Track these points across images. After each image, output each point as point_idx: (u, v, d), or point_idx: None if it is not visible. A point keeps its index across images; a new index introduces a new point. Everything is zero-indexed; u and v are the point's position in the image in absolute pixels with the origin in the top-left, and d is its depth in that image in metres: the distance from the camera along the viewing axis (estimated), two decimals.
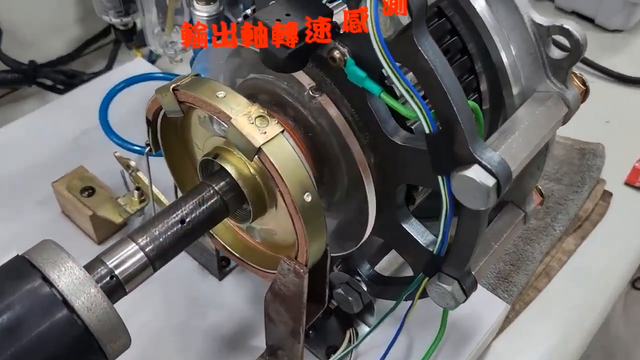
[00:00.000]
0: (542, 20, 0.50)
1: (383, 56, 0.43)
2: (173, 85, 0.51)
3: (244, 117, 0.47)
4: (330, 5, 0.51)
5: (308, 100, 0.51)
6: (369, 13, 0.42)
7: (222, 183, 0.53)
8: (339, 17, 0.50)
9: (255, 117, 0.48)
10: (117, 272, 0.48)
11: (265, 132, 0.47)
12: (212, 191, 0.52)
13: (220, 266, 0.73)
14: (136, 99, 0.86)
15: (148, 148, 0.60)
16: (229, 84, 0.60)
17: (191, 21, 0.69)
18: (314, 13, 0.47)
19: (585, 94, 0.54)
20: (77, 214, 0.75)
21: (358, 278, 0.65)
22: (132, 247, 0.49)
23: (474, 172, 0.45)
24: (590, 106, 1.09)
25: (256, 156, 0.47)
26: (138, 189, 0.73)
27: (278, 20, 0.46)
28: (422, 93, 0.45)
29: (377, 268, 0.67)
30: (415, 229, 0.56)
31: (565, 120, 0.53)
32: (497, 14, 0.52)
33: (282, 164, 0.47)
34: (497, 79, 0.54)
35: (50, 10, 1.02)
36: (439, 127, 0.45)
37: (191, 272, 0.75)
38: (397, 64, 0.45)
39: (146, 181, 0.69)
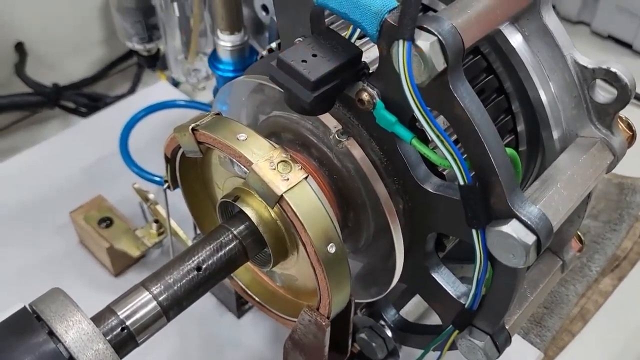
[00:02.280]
0: (587, 61, 0.47)
1: (415, 103, 0.40)
2: (192, 125, 0.48)
3: (266, 162, 0.45)
4: (360, 42, 0.48)
5: (334, 144, 0.48)
6: (401, 57, 0.39)
7: (242, 227, 0.50)
8: (369, 54, 0.47)
9: (278, 163, 0.45)
10: (128, 322, 0.45)
11: (288, 179, 0.44)
12: (230, 236, 0.50)
13: (239, 303, 0.71)
14: (158, 125, 0.84)
15: (166, 185, 0.58)
16: (252, 121, 0.57)
17: (215, 51, 0.67)
18: (343, 53, 0.44)
19: (632, 139, 0.50)
20: (94, 245, 0.73)
21: (382, 323, 0.62)
22: (144, 295, 0.46)
23: (512, 228, 0.42)
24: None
25: (278, 204, 0.45)
26: (156, 221, 0.70)
27: (304, 61, 0.43)
28: (454, 137, 0.42)
29: (402, 311, 0.64)
30: (445, 279, 0.53)
31: (610, 168, 0.49)
32: (537, 53, 0.48)
33: (305, 213, 0.44)
34: (536, 120, 0.51)
35: (75, 32, 1.01)
36: (474, 179, 0.42)
37: (208, 308, 0.72)
38: (429, 109, 0.42)
39: (164, 214, 0.67)
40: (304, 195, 0.45)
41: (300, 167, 0.45)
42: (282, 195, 0.44)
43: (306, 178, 0.45)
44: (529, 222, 0.42)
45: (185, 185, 0.57)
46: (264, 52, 0.58)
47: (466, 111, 0.41)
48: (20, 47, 0.97)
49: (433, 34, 0.39)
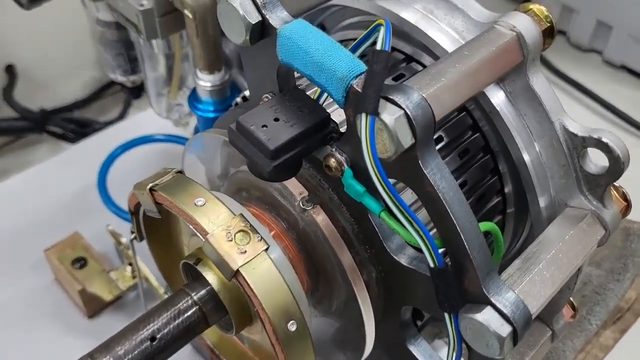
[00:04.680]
0: (577, 128, 0.43)
1: (378, 180, 0.36)
2: (150, 184, 0.45)
3: (223, 232, 0.41)
4: (328, 102, 0.45)
5: (299, 211, 0.44)
6: (363, 130, 0.35)
7: (203, 292, 0.47)
8: (339, 114, 0.44)
9: (236, 233, 0.42)
10: None
11: (246, 252, 0.41)
12: (190, 302, 0.46)
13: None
14: (143, 156, 0.81)
15: (133, 236, 0.55)
16: (223, 172, 0.54)
17: (195, 90, 0.64)
18: (308, 117, 0.40)
19: (626, 209, 0.46)
20: (68, 285, 0.70)
21: None
22: None
23: (486, 317, 0.38)
24: (634, 173, 1.00)
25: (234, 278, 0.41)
26: (131, 264, 0.67)
27: (264, 126, 0.40)
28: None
29: None
30: (422, 352, 0.49)
31: (600, 243, 0.45)
32: (523, 116, 0.44)
33: (262, 290, 0.41)
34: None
35: (67, 54, 0.99)
36: (446, 262, 0.39)
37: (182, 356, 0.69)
38: (399, 185, 0.38)
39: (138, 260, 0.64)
40: (263, 270, 0.41)
41: (259, 238, 0.42)
42: (237, 270, 0.41)
43: (267, 250, 0.42)
44: (504, 311, 0.38)
45: (151, 239, 0.54)
46: (239, 99, 0.55)
47: (437, 189, 0.37)
48: (10, 70, 0.95)
49: (399, 106, 0.36)
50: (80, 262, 0.70)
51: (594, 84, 1.11)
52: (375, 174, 0.36)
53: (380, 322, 0.49)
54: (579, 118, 1.12)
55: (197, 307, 0.47)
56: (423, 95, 0.36)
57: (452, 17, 0.45)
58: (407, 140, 0.36)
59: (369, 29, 0.39)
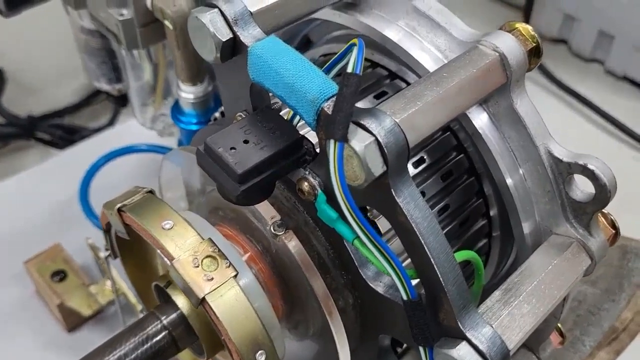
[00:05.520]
0: (563, 154, 0.41)
1: (348, 209, 0.35)
2: (119, 205, 0.44)
3: (189, 257, 0.40)
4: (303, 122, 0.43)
5: (271, 236, 0.43)
6: (331, 158, 0.34)
7: (173, 316, 0.45)
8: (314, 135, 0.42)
9: (203, 258, 0.40)
10: None
11: (212, 279, 0.39)
12: (159, 326, 0.45)
13: None
14: (129, 164, 0.80)
15: (108, 253, 0.53)
16: (201, 188, 0.52)
17: (177, 102, 0.62)
18: (279, 139, 0.39)
19: (615, 237, 0.44)
20: (48, 298, 0.69)
21: None
22: None
23: (461, 353, 0.36)
24: (634, 188, 0.97)
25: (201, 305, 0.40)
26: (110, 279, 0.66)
27: (233, 148, 0.38)
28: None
29: None
30: None
31: (587, 273, 0.43)
32: (507, 139, 0.43)
33: (229, 319, 0.39)
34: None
35: (58, 60, 0.97)
36: (420, 294, 0.37)
37: None
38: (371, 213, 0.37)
39: (116, 274, 0.62)
40: (230, 297, 0.40)
41: (227, 264, 0.40)
42: (204, 298, 0.39)
43: (235, 276, 0.40)
44: (480, 347, 0.36)
45: (125, 257, 0.52)
46: (217, 114, 0.53)
47: (410, 219, 0.35)
48: None
49: (371, 133, 0.34)
50: (60, 275, 0.69)
51: (596, 95, 1.09)
52: (344, 203, 0.34)
53: (357, 348, 0.47)
54: (579, 130, 1.10)
55: (167, 331, 0.45)
56: (396, 120, 0.34)
57: (434, 35, 0.43)
58: (378, 168, 0.34)
59: (343, 49, 0.37)
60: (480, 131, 0.42)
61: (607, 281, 0.81)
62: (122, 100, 0.76)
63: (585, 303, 0.78)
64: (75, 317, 0.67)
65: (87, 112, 1.02)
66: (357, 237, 0.38)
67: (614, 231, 0.44)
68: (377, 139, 0.34)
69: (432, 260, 0.36)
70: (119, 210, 0.44)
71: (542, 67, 1.12)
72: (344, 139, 0.33)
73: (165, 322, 0.45)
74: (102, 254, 0.65)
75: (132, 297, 0.63)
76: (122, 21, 0.57)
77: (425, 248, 0.35)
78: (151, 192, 0.45)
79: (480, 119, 0.42)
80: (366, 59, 0.50)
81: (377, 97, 0.48)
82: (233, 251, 0.44)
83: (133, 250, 0.52)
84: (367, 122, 0.34)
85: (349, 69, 0.35)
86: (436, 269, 0.36)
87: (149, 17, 0.57)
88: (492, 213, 0.49)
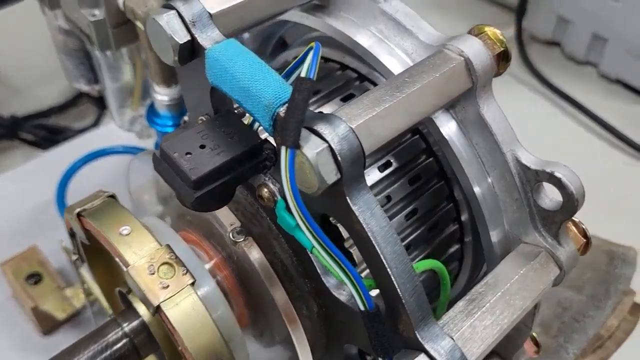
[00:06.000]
0: (530, 161, 0.40)
1: (300, 216, 0.34)
2: (79, 209, 0.43)
3: (145, 264, 0.39)
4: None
5: (230, 243, 0.42)
6: (283, 164, 0.33)
7: (135, 323, 0.44)
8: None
9: (159, 265, 0.39)
10: None
11: (168, 286, 0.38)
12: (120, 333, 0.44)
13: None
14: (108, 167, 0.79)
15: (76, 257, 0.52)
16: (168, 194, 0.52)
17: (152, 104, 0.61)
18: (237, 145, 0.38)
19: (586, 246, 0.43)
20: (23, 301, 0.68)
21: None
22: None
23: None
24: (628, 194, 0.96)
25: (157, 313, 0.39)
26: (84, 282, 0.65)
27: (189, 153, 0.37)
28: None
29: None
30: None
31: (555, 283, 0.42)
32: (475, 145, 0.42)
33: (185, 327, 0.38)
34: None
35: (44, 60, 0.96)
36: (377, 305, 0.36)
37: None
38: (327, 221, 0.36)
39: (89, 278, 0.61)
40: (187, 306, 0.39)
41: (185, 271, 0.39)
42: (159, 306, 0.38)
43: (193, 284, 0.39)
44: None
45: (91, 262, 0.51)
46: (187, 117, 0.52)
47: (365, 228, 0.34)
48: None
49: (324, 139, 0.33)
50: (35, 278, 0.68)
51: (589, 98, 1.07)
52: (296, 211, 0.33)
53: (323, 357, 0.46)
54: (571, 134, 1.08)
55: (128, 339, 0.44)
56: (351, 127, 0.34)
57: (401, 38, 0.42)
58: (331, 175, 0.33)
59: (302, 53, 0.36)
60: (447, 137, 0.41)
61: (593, 287, 0.79)
62: (101, 102, 0.75)
63: (571, 310, 0.77)
64: (49, 320, 0.67)
65: (74, 112, 1.01)
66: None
67: (585, 240, 0.43)
68: (330, 146, 0.33)
69: (388, 270, 0.35)
70: (79, 214, 0.43)
71: (535, 70, 1.11)
72: (295, 146, 0.32)
73: (126, 329, 0.44)
74: (76, 257, 0.64)
75: (105, 301, 0.62)
76: (94, 22, 0.56)
77: (382, 257, 0.34)
78: (112, 196, 0.44)
79: (447, 126, 0.41)
80: (336, 62, 0.50)
81: (344, 99, 0.47)
82: (194, 258, 0.43)
83: (98, 255, 0.51)
84: (321, 129, 0.33)
85: (303, 74, 0.34)
86: (393, 279, 0.35)
87: (121, 17, 0.56)
88: (463, 218, 0.48)
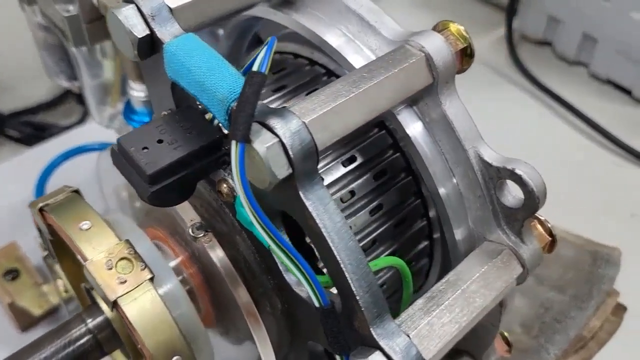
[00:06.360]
0: (493, 158, 0.40)
1: (251, 212, 0.33)
2: (41, 204, 0.43)
3: (103, 259, 0.39)
4: None
5: (191, 239, 0.41)
6: (233, 159, 0.33)
7: (99, 319, 0.44)
8: None
9: (118, 261, 0.39)
10: None
11: (126, 281, 0.38)
12: (84, 329, 0.44)
13: None
14: (89, 164, 0.79)
15: (46, 253, 0.52)
16: None
17: (129, 101, 0.61)
18: (196, 139, 0.38)
19: (552, 245, 0.43)
20: (0, 297, 0.68)
21: None
22: None
23: None
24: (613, 194, 0.95)
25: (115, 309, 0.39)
26: (59, 279, 0.65)
27: (145, 148, 0.37)
28: None
29: None
30: None
31: (519, 281, 0.42)
32: (439, 142, 0.41)
33: (143, 323, 0.38)
34: None
35: (33, 55, 0.96)
36: (332, 302, 0.36)
37: None
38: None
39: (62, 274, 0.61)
40: (145, 301, 0.39)
41: (143, 266, 0.39)
42: (116, 301, 0.38)
43: (152, 279, 0.39)
44: (393, 357, 0.35)
45: (60, 258, 0.51)
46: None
47: (318, 223, 0.34)
48: None
49: (275, 134, 0.33)
50: (13, 274, 0.68)
51: (579, 98, 1.07)
52: (248, 207, 0.33)
53: (289, 354, 0.46)
54: (560, 134, 1.08)
55: (91, 335, 0.44)
56: (304, 121, 0.33)
57: (364, 34, 0.42)
58: (282, 170, 0.33)
59: (260, 49, 0.36)
60: (410, 134, 0.41)
61: (576, 287, 0.79)
62: (82, 97, 0.75)
63: (552, 310, 0.77)
64: (26, 316, 0.67)
65: (61, 109, 1.01)
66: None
67: (550, 239, 0.43)
68: (281, 141, 0.32)
69: (342, 266, 0.34)
70: (41, 209, 0.43)
71: (525, 70, 1.10)
72: (245, 140, 0.32)
73: (90, 325, 0.44)
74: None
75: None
76: (68, 17, 0.56)
77: (335, 253, 0.34)
78: (76, 191, 0.44)
79: (410, 122, 0.41)
80: (305, 58, 0.49)
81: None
82: (156, 254, 0.43)
83: (68, 250, 0.51)
84: (273, 123, 0.33)
85: (255, 68, 0.34)
86: (347, 275, 0.34)
87: (94, 13, 0.56)
88: (431, 214, 0.48)
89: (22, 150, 0.94)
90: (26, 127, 0.91)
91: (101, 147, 0.74)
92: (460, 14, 1.22)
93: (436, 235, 0.49)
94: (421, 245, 0.49)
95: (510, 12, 1.14)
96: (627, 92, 1.09)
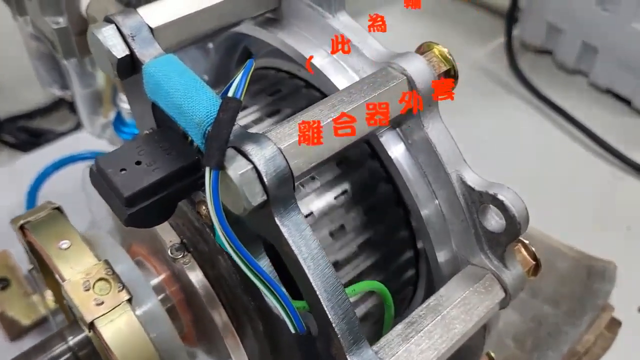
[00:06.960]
0: (475, 182, 0.39)
1: (225, 239, 0.33)
2: (22, 221, 0.43)
3: (81, 280, 0.39)
4: None
5: (170, 260, 0.41)
6: (207, 186, 0.32)
7: (80, 337, 0.44)
8: None
9: (95, 281, 0.39)
10: None
11: (103, 303, 0.38)
12: (65, 347, 0.44)
13: None
14: (80, 173, 0.79)
15: (31, 268, 0.52)
16: None
17: (119, 113, 0.61)
18: (175, 161, 0.37)
19: (536, 269, 0.42)
20: None
21: None
22: None
23: None
24: (610, 206, 0.94)
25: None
26: (50, 289, 0.65)
27: (123, 170, 0.37)
28: None
29: None
30: None
31: (502, 306, 0.41)
32: (421, 165, 0.41)
33: (119, 345, 0.38)
34: None
35: (28, 61, 0.96)
36: (307, 328, 0.35)
37: None
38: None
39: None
40: (121, 323, 0.38)
41: (120, 287, 0.39)
42: (92, 322, 0.38)
43: (129, 300, 0.39)
44: None
45: (44, 272, 0.51)
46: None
47: (294, 250, 0.34)
48: None
49: (249, 160, 0.32)
50: (3, 283, 0.68)
51: (578, 108, 1.06)
52: (221, 232, 0.33)
53: None
54: (559, 145, 1.07)
55: (71, 352, 0.44)
56: (280, 147, 0.33)
57: (349, 55, 0.42)
58: (256, 197, 0.32)
59: (240, 71, 0.36)
60: (391, 155, 0.40)
61: (570, 302, 0.78)
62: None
63: (546, 325, 0.76)
64: (15, 326, 0.67)
65: (58, 116, 1.01)
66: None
67: (534, 262, 0.42)
68: (255, 167, 0.32)
69: (317, 292, 0.34)
70: (21, 227, 0.43)
71: (525, 79, 1.09)
72: (219, 166, 0.32)
73: (71, 343, 0.44)
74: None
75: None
76: (57, 29, 0.56)
77: (310, 279, 0.34)
78: (58, 208, 0.44)
79: (393, 145, 0.41)
80: (295, 76, 0.49)
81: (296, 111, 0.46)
82: (137, 274, 0.43)
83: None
84: (248, 149, 0.33)
85: (230, 93, 0.33)
86: (322, 302, 0.34)
87: (84, 25, 0.56)
88: (419, 245, 0.47)
89: (17, 156, 0.94)
90: (22, 133, 0.91)
91: (93, 156, 0.74)
92: (461, 21, 1.22)
93: (421, 262, 0.48)
94: (408, 275, 0.48)
95: (511, 20, 1.14)
96: (626, 102, 1.08)
